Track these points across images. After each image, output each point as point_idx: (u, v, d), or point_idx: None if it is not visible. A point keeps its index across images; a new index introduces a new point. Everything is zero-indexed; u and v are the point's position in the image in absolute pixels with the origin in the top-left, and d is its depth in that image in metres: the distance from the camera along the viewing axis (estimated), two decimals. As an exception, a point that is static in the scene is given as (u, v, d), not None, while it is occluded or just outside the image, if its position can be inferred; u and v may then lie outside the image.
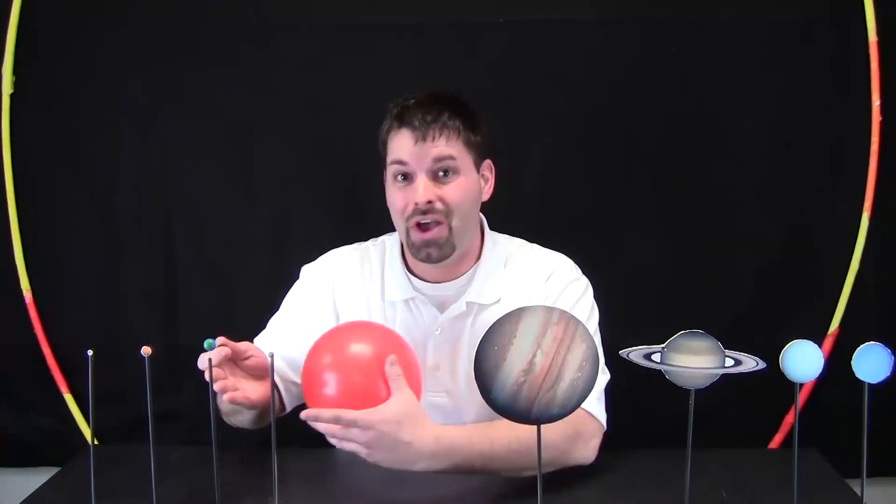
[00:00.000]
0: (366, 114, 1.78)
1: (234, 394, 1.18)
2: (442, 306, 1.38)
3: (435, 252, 1.31)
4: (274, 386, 1.04)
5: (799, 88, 1.78)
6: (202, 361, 1.14)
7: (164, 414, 1.74)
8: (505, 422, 1.19)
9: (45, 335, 1.87)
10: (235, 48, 1.80)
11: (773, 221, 1.82)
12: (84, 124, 1.84)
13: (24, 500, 1.18)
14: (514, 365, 0.90)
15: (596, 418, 1.30)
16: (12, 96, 1.82)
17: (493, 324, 0.92)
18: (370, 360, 1.18)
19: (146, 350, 0.98)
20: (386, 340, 1.24)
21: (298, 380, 1.36)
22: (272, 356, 1.03)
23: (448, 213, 1.30)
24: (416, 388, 1.22)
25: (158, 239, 1.86)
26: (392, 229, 1.43)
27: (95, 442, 1.16)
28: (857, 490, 1.09)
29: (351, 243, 1.50)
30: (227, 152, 1.84)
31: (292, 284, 1.46)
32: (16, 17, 1.80)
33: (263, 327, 1.45)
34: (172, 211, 1.85)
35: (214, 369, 1.13)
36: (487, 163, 1.40)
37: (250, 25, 1.80)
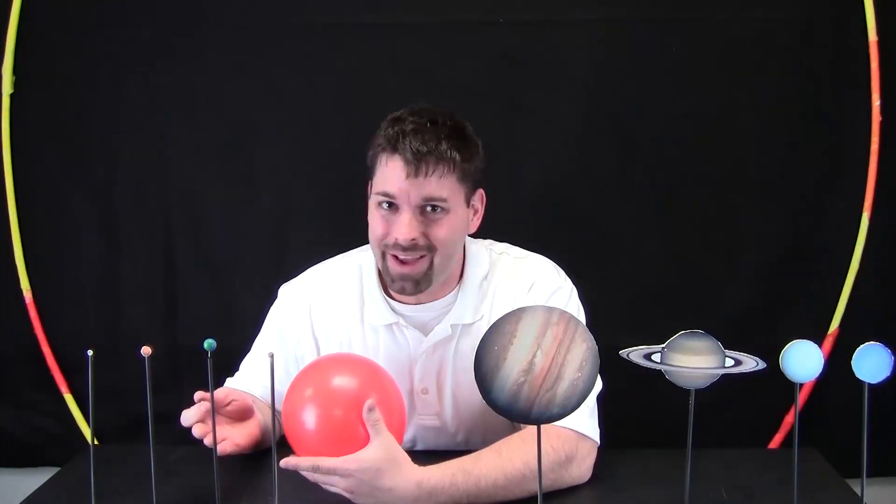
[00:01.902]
0: (366, 113, 1.78)
1: (223, 445, 1.18)
2: (425, 329, 1.34)
3: (410, 286, 1.26)
4: (273, 388, 1.04)
5: (799, 88, 1.78)
6: (185, 419, 1.15)
7: (164, 414, 1.73)
8: (491, 457, 1.17)
9: (45, 335, 1.87)
10: (235, 48, 1.80)
11: (773, 221, 1.82)
12: (84, 124, 1.84)
13: (24, 500, 1.18)
14: (514, 365, 0.90)
15: (589, 438, 1.25)
16: (12, 96, 1.82)
17: (493, 324, 0.92)
18: (351, 396, 1.15)
19: (146, 350, 0.98)
20: (368, 375, 1.20)
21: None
22: (272, 356, 1.02)
23: (431, 248, 1.25)
24: (399, 427, 1.20)
25: (158, 239, 1.86)
26: None
27: (95, 442, 1.16)
28: (857, 490, 1.09)
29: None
30: (227, 152, 1.84)
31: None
32: (16, 17, 1.80)
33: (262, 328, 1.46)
34: (172, 211, 1.85)
35: (199, 425, 1.14)
36: (479, 193, 1.33)
37: (250, 25, 1.80)
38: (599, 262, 1.78)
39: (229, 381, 1.40)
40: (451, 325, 1.33)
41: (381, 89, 1.78)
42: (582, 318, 1.34)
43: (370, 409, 1.12)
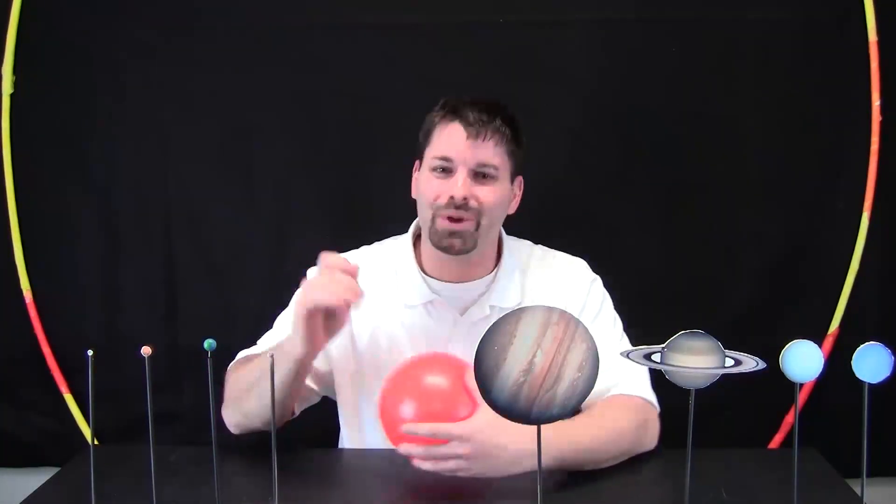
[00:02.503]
0: (366, 113, 1.79)
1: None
2: (462, 308, 1.38)
3: (458, 243, 1.31)
4: (273, 387, 1.04)
5: (799, 88, 1.78)
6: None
7: (164, 414, 1.74)
8: (583, 419, 1.24)
9: (45, 335, 1.87)
10: (235, 48, 1.80)
11: (773, 221, 1.82)
12: (84, 124, 1.84)
13: (24, 500, 1.18)
14: (514, 365, 0.90)
15: (654, 405, 1.35)
16: (12, 96, 1.82)
17: (493, 324, 0.92)
18: (448, 387, 1.19)
19: (146, 350, 0.98)
20: (457, 365, 1.25)
21: (310, 384, 1.39)
22: (272, 357, 1.02)
23: (480, 212, 1.31)
24: None
25: (158, 239, 1.86)
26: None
27: (95, 442, 1.16)
28: (857, 490, 1.09)
29: (350, 243, 1.49)
30: (227, 152, 1.84)
31: (292, 285, 1.45)
32: (16, 17, 1.80)
33: (263, 327, 1.45)
34: (172, 211, 1.85)
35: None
36: (519, 179, 1.41)
37: (250, 25, 1.80)
38: (599, 262, 1.77)
39: (244, 353, 1.41)
40: (490, 306, 1.37)
41: (381, 89, 1.78)
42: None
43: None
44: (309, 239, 1.82)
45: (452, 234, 1.31)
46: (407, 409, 1.19)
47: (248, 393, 1.31)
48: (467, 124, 1.30)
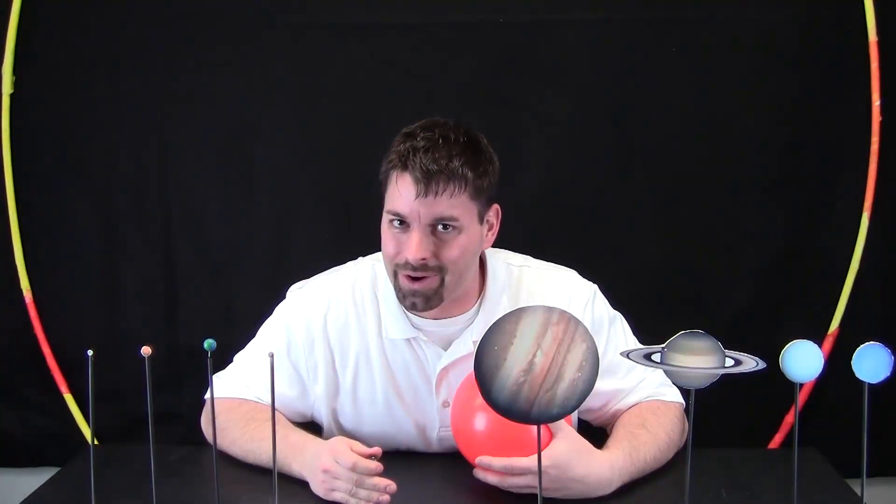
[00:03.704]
0: (366, 114, 1.79)
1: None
2: (446, 343, 1.33)
3: (421, 303, 1.26)
4: (273, 388, 1.03)
5: (799, 88, 1.78)
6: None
7: (164, 414, 1.74)
8: (643, 434, 1.27)
9: (45, 335, 1.87)
10: (235, 48, 1.80)
11: (773, 221, 1.82)
12: (84, 124, 1.84)
13: (24, 500, 1.18)
14: (514, 365, 0.90)
15: (682, 405, 1.38)
16: (12, 96, 1.82)
17: (493, 324, 0.92)
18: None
19: (146, 350, 0.97)
20: None
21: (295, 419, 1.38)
22: (272, 356, 1.02)
23: (442, 268, 1.24)
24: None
25: (158, 239, 1.86)
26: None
27: (95, 442, 1.16)
28: (857, 490, 1.09)
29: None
30: (227, 152, 1.84)
31: (292, 284, 1.45)
32: (16, 17, 1.79)
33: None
34: (172, 211, 1.85)
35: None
36: (495, 208, 1.32)
37: (250, 25, 1.80)
38: (599, 262, 1.77)
39: (220, 379, 1.40)
40: (473, 342, 1.30)
41: (381, 89, 1.78)
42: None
43: None
44: (309, 239, 1.83)
45: (414, 293, 1.25)
46: (480, 420, 1.19)
47: (231, 447, 1.31)
48: (416, 179, 1.20)
